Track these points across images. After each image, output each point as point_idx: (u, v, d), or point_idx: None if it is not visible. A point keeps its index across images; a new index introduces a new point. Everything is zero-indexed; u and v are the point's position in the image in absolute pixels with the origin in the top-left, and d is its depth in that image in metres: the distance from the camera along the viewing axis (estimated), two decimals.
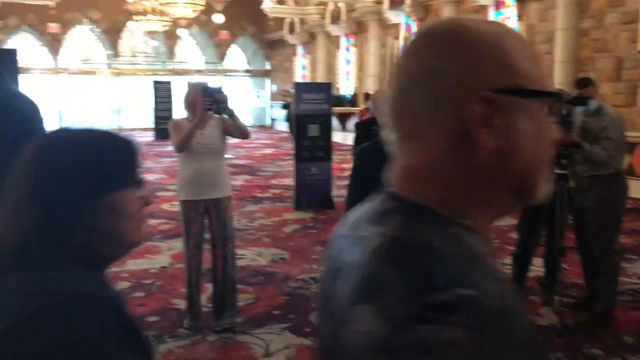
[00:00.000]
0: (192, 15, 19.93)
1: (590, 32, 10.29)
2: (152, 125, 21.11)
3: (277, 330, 4.05)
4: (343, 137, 18.62)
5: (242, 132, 4.13)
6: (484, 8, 12.78)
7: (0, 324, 0.84)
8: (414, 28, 15.64)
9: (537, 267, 4.87)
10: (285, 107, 15.72)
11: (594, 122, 4.15)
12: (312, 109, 8.24)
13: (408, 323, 0.59)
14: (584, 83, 4.21)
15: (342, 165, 12.92)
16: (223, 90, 4.04)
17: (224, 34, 25.71)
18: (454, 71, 0.68)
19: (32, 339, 0.83)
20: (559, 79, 10.47)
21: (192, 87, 4.07)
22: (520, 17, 11.84)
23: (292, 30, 22.15)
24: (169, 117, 20.43)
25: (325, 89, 8.71)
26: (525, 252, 4.56)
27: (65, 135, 1.11)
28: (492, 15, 12.77)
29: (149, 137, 20.96)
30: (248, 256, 5.91)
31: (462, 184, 0.70)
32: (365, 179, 2.24)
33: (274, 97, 26.46)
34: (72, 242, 0.97)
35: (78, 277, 0.94)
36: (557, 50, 10.69)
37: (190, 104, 3.97)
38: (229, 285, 4.13)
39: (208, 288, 4.30)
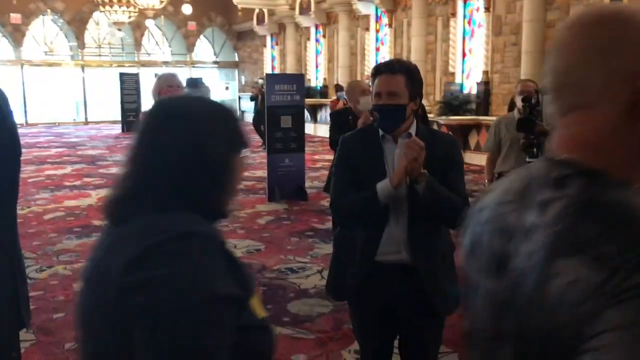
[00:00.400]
0: (159, 5, 19.65)
1: (556, 23, 10.49)
2: (120, 118, 20.79)
3: None
4: (314, 128, 18.63)
5: None
6: (452, 0, 12.91)
7: (129, 255, 1.01)
8: (384, 19, 15.72)
9: None
10: (252, 99, 15.62)
11: None
12: (284, 101, 8.23)
13: (627, 270, 0.68)
14: None
15: (314, 157, 12.96)
16: (204, 81, 4.05)
17: (191, 25, 25.41)
18: (629, 50, 0.78)
19: (155, 267, 0.99)
20: (525, 69, 10.66)
21: (163, 78, 4.01)
22: (487, 8, 11.99)
23: (261, 21, 22.01)
24: (137, 109, 20.18)
25: (297, 80, 8.71)
26: None
27: (189, 98, 1.30)
28: (460, 7, 12.91)
29: (117, 130, 20.67)
30: None
31: (632, 151, 0.80)
32: (349, 167, 2.28)
33: (243, 88, 26.30)
34: (195, 192, 1.11)
35: (192, 219, 1.08)
36: (524, 41, 10.87)
37: (163, 95, 3.94)
38: None
39: None
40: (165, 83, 3.95)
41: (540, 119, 4.28)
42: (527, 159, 4.18)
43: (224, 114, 1.20)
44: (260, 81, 15.43)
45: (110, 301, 1.01)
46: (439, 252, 2.24)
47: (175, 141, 1.10)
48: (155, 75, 13.54)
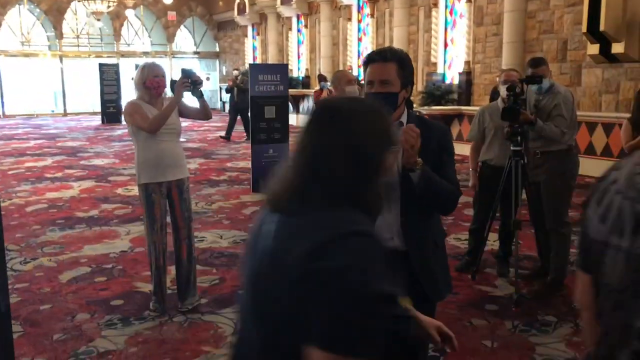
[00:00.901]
0: None
1: (536, 14, 10.58)
2: (99, 109, 20.55)
3: None
4: (296, 119, 18.60)
5: (207, 114, 4.19)
6: None
7: (300, 248, 1.12)
8: (366, 9, 15.71)
9: (491, 241, 5.06)
10: (228, 91, 15.29)
11: (546, 100, 4.33)
12: (268, 91, 8.21)
13: None
14: (537, 62, 4.36)
15: None
16: (195, 71, 4.05)
17: (171, 15, 25.14)
18: None
19: (331, 259, 1.09)
20: (506, 59, 10.76)
21: (147, 68, 3.98)
22: None
23: (242, 11, 21.86)
24: (117, 100, 19.97)
25: (281, 70, 8.69)
26: (481, 227, 4.74)
27: (349, 99, 1.40)
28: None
29: (97, 121, 20.44)
30: (209, 238, 5.90)
31: None
32: None
33: (224, 79, 26.14)
34: (358, 190, 1.21)
35: (357, 217, 1.18)
36: (505, 31, 10.96)
37: (149, 85, 3.92)
38: (194, 266, 4.16)
39: (171, 270, 4.29)
40: (151, 73, 3.93)
41: (524, 107, 4.34)
42: (512, 147, 4.25)
43: (379, 114, 1.28)
44: (235, 72, 15.18)
45: (285, 288, 1.12)
46: (431, 239, 2.26)
47: (341, 141, 1.19)
48: (137, 65, 13.41)
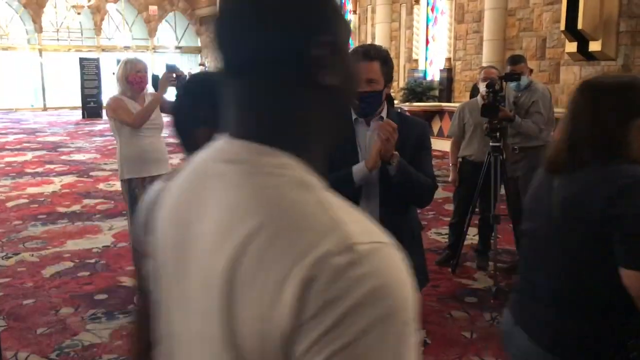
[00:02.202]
0: None
1: (516, 11, 10.72)
2: (80, 104, 20.37)
3: None
4: None
5: None
6: None
7: (606, 193, 1.44)
8: (349, 5, 15.76)
9: (471, 235, 5.16)
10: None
11: (524, 97, 4.43)
12: None
13: None
14: (516, 60, 4.45)
15: None
16: (178, 67, 4.09)
17: (153, 10, 24.97)
18: None
19: (630, 203, 1.42)
20: (486, 56, 10.89)
21: (129, 63, 4.00)
22: None
23: None
24: (98, 95, 19.82)
25: None
26: (461, 221, 4.83)
27: (602, 79, 1.78)
28: None
29: (77, 116, 20.27)
30: None
31: None
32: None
33: None
34: (619, 150, 1.49)
35: (634, 169, 1.47)
36: (486, 29, 11.09)
37: (131, 81, 3.94)
38: None
39: None
40: (133, 69, 3.95)
41: (503, 104, 4.43)
42: (491, 143, 4.34)
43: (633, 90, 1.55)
44: (201, 67, 14.96)
45: (589, 230, 1.47)
46: (409, 230, 2.33)
47: (611, 112, 1.51)
48: (118, 60, 13.36)
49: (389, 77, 2.26)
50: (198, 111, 1.33)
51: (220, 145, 0.76)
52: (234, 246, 0.65)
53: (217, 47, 0.75)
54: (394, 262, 0.64)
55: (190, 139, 1.34)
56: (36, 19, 23.19)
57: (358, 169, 2.19)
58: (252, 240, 0.64)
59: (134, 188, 3.96)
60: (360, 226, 0.65)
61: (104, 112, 21.02)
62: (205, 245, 0.71)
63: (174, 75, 4.01)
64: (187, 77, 4.12)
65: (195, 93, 1.41)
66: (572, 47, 9.16)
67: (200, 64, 15.26)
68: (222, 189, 0.71)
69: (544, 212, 1.59)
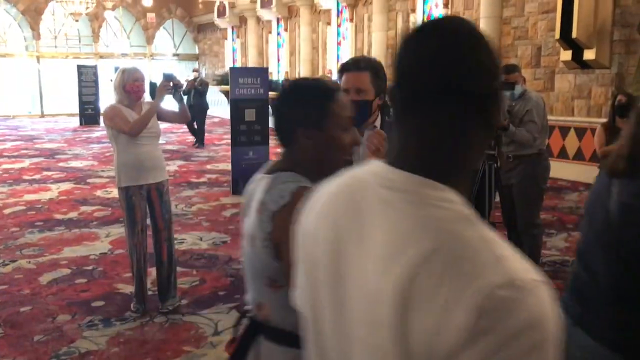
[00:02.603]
0: None
1: (511, 20, 10.80)
2: (77, 111, 20.38)
3: (224, 310, 4.16)
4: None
5: (185, 117, 4.31)
6: None
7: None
8: (345, 14, 15.85)
9: None
10: (185, 93, 13.35)
11: (519, 106, 4.47)
12: (248, 94, 8.28)
13: None
14: (510, 69, 4.50)
15: (277, 150, 13.00)
16: (175, 76, 4.14)
17: (151, 17, 25.04)
18: None
19: None
20: None
21: (127, 72, 4.03)
22: (445, 4, 12.25)
23: (222, 13, 21.88)
24: (95, 102, 19.84)
25: (261, 73, 8.77)
26: None
27: None
28: (420, 3, 13.13)
29: (74, 123, 20.28)
30: (189, 240, 5.95)
31: None
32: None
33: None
34: None
35: None
36: None
37: (129, 90, 3.97)
38: (174, 267, 4.23)
39: (151, 272, 4.35)
40: (131, 77, 3.98)
41: None
42: (486, 151, 4.38)
43: None
44: (195, 74, 14.67)
45: None
46: None
47: None
48: (116, 68, 13.33)
49: (380, 88, 2.30)
50: (296, 113, 1.52)
51: (382, 172, 0.85)
52: (408, 266, 0.74)
53: (398, 78, 0.85)
54: (547, 300, 0.73)
55: (289, 136, 1.54)
56: (34, 26, 23.23)
57: None
58: (427, 262, 0.74)
59: (131, 195, 3.99)
60: (519, 264, 0.75)
61: (101, 119, 20.76)
62: (369, 263, 0.80)
63: (171, 83, 4.06)
64: (199, 81, 4.17)
65: (294, 97, 1.58)
66: (566, 55, 9.24)
67: (194, 70, 15.06)
68: (387, 215, 0.80)
69: (602, 216, 1.62)
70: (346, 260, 0.84)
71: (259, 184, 1.59)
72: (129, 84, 3.96)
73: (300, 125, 1.51)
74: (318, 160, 1.54)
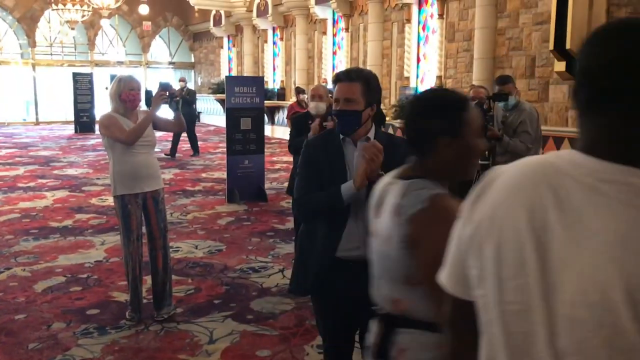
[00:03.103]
0: (114, 5, 19.37)
1: (506, 31, 10.89)
2: (72, 118, 20.37)
3: (219, 318, 4.17)
4: (271, 130, 18.70)
5: (181, 126, 4.33)
6: (407, 6, 13.20)
7: None
8: (341, 23, 15.93)
9: None
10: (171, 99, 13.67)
11: (513, 116, 4.52)
12: (244, 103, 8.31)
13: None
14: (504, 80, 4.55)
15: (273, 159, 13.06)
16: (172, 85, 4.17)
17: (146, 25, 25.09)
18: None
19: None
20: (477, 75, 11.03)
21: (124, 81, 4.05)
22: (441, 15, 12.33)
23: (217, 22, 21.94)
24: (90, 109, 19.84)
25: (257, 82, 8.81)
26: None
27: None
28: (415, 13, 13.22)
29: (69, 130, 20.26)
30: (184, 248, 5.96)
31: None
32: (312, 167, 2.42)
33: (199, 90, 26.14)
34: None
35: None
36: (476, 47, 11.24)
37: (125, 98, 3.98)
38: (169, 275, 4.23)
39: (146, 280, 4.36)
40: (127, 87, 3.99)
41: (491, 123, 4.53)
42: (480, 162, 4.41)
43: None
44: (182, 84, 14.35)
45: None
46: None
47: None
48: (112, 76, 13.29)
49: (372, 99, 2.34)
50: (435, 123, 1.63)
51: (582, 162, 0.91)
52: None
53: (583, 76, 0.92)
54: None
55: (427, 146, 1.65)
56: (30, 34, 23.23)
57: (346, 188, 2.26)
58: None
59: (127, 204, 4.00)
60: None
61: (96, 127, 20.75)
62: (586, 249, 0.86)
63: (167, 93, 4.08)
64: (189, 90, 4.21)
65: (431, 108, 1.68)
66: (560, 66, 9.31)
67: (180, 80, 14.72)
68: (602, 204, 0.86)
69: None
70: (551, 245, 0.90)
71: (389, 188, 1.71)
72: (125, 93, 3.97)
73: (439, 135, 1.62)
74: (455, 166, 1.68)
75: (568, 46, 8.83)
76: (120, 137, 3.90)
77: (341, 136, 2.39)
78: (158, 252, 4.16)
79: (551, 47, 9.18)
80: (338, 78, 2.38)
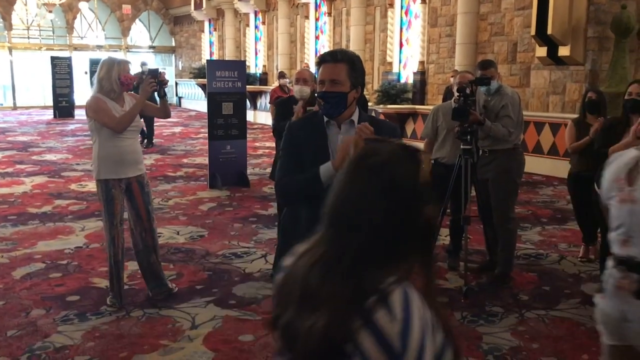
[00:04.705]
0: None
1: (488, 16, 10.90)
2: (51, 103, 20.06)
3: (201, 303, 4.15)
4: (254, 115, 18.59)
5: (167, 113, 4.38)
6: None
7: None
8: (324, 8, 15.82)
9: (442, 236, 5.25)
10: (134, 88, 11.71)
11: (495, 101, 4.52)
12: (225, 87, 8.24)
13: None
14: (486, 65, 4.54)
15: (255, 144, 12.99)
16: (161, 71, 4.14)
17: (126, 9, 24.71)
18: None
19: None
20: (459, 60, 11.05)
21: (122, 64, 3.99)
22: (423, 0, 12.30)
23: (198, 6, 21.68)
24: (69, 94, 19.55)
25: (239, 67, 8.72)
26: None
27: None
28: None
29: (48, 115, 19.96)
30: (166, 234, 5.91)
31: None
32: (295, 150, 2.39)
33: (180, 74, 25.87)
34: None
35: None
36: (458, 33, 11.25)
37: (124, 81, 3.94)
38: (158, 254, 4.29)
39: (127, 266, 4.32)
40: (125, 69, 3.97)
41: (473, 108, 4.52)
42: (462, 146, 4.42)
43: None
44: (144, 67, 13.39)
45: None
46: None
47: None
48: (92, 60, 13.02)
49: (357, 81, 2.31)
50: None
51: None
52: None
53: None
54: None
55: None
56: (6, 17, 22.77)
57: (325, 169, 2.23)
58: None
59: (111, 188, 3.97)
60: None
61: (75, 111, 20.51)
62: None
63: (156, 80, 4.05)
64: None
65: None
66: (542, 51, 9.35)
67: (142, 64, 13.92)
68: None
69: None
70: None
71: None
72: (124, 76, 3.95)
73: None
74: None
75: (549, 32, 8.86)
76: (109, 123, 3.87)
77: (325, 119, 2.36)
78: (147, 232, 4.17)
79: (533, 32, 9.21)
80: (323, 59, 2.34)
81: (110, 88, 3.93)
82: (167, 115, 4.35)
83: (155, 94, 4.18)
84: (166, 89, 4.29)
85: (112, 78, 3.91)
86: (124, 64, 3.99)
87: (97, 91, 3.96)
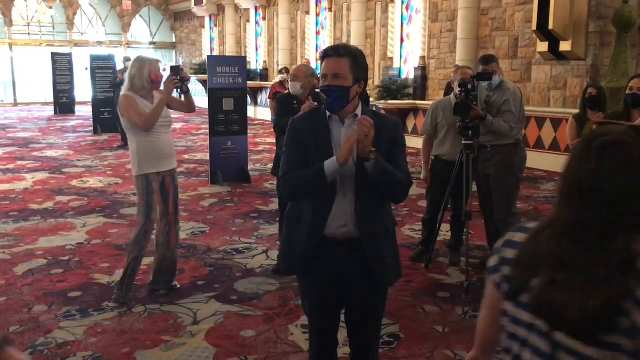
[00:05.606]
0: None
1: (489, 11, 10.87)
2: (52, 100, 20.04)
3: (203, 299, 4.15)
4: (254, 111, 18.57)
5: (192, 107, 4.42)
6: None
7: None
8: (324, 3, 15.79)
9: (444, 232, 5.25)
10: (114, 85, 12.02)
11: (496, 96, 4.52)
12: (226, 83, 8.23)
13: None
14: (488, 60, 4.54)
15: (256, 140, 12.98)
16: (183, 68, 4.17)
17: (126, 4, 24.66)
18: None
19: None
20: (460, 55, 11.03)
21: (155, 62, 4.07)
22: None
23: (199, 1, 21.63)
24: (70, 90, 19.52)
25: (239, 62, 8.70)
26: (434, 218, 4.91)
27: None
28: None
29: (49, 111, 19.95)
30: None
31: None
32: (298, 145, 2.38)
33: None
34: None
35: None
36: (459, 28, 11.22)
37: (155, 79, 4.02)
38: (177, 253, 4.42)
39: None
40: (156, 67, 4.03)
41: (475, 103, 4.51)
42: (463, 142, 4.41)
43: None
44: (128, 63, 13.45)
45: None
46: (383, 226, 2.38)
47: None
48: (93, 57, 12.91)
49: (360, 76, 2.31)
50: None
51: None
52: None
53: None
54: None
55: None
56: (6, 13, 22.73)
57: (330, 164, 2.23)
58: None
59: (151, 182, 4.06)
60: None
61: (76, 108, 20.40)
62: None
63: (178, 77, 4.08)
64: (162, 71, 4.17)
65: None
66: (543, 46, 9.34)
67: (125, 60, 13.78)
68: None
69: None
70: None
71: None
72: (154, 74, 4.02)
73: None
74: None
75: (551, 27, 8.84)
76: (138, 122, 3.93)
77: (328, 113, 2.35)
78: (172, 227, 4.26)
79: (534, 27, 9.19)
80: (326, 53, 2.33)
81: (141, 86, 3.98)
82: (192, 110, 4.44)
83: (178, 90, 4.19)
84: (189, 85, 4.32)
85: (144, 76, 3.97)
86: (155, 62, 4.06)
87: (128, 89, 4.01)
